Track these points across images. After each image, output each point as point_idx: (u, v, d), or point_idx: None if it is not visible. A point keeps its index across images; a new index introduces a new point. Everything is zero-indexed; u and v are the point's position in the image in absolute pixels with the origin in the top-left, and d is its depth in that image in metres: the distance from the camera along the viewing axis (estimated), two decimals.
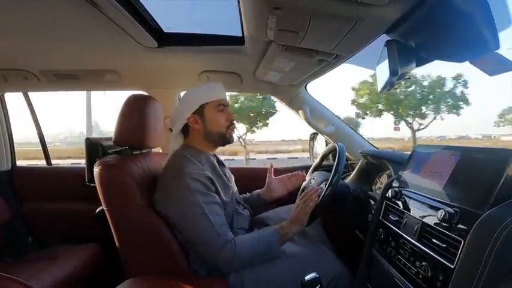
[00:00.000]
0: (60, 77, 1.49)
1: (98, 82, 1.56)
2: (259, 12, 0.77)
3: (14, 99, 1.83)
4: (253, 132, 11.30)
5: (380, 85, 0.88)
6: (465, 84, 10.43)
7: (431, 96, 10.84)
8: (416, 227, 0.70)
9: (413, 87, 10.88)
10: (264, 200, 1.20)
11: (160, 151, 1.56)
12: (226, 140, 1.04)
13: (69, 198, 1.65)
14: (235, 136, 1.09)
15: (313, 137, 1.73)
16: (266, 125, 11.04)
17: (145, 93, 1.55)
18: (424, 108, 11.10)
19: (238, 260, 0.87)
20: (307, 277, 0.76)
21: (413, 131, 11.50)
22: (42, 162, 1.91)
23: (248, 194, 1.26)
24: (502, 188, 0.55)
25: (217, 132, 1.01)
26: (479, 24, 0.57)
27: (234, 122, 1.05)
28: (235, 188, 1.15)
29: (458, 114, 10.74)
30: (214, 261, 0.87)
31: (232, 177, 1.17)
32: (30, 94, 1.78)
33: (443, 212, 0.61)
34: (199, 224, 0.86)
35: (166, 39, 1.19)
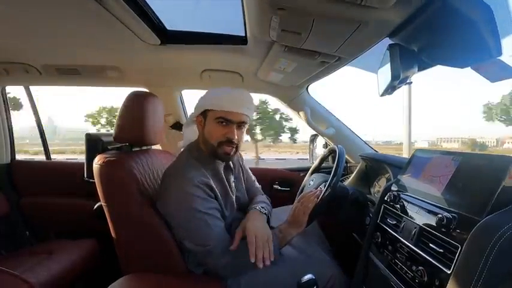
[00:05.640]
0: (62, 71, 1.49)
1: (99, 78, 1.56)
2: (262, 12, 0.77)
3: None
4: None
5: (381, 89, 0.88)
6: None
7: None
8: (413, 231, 0.70)
9: None
10: None
11: (160, 149, 1.56)
12: (216, 156, 0.93)
13: (68, 193, 1.65)
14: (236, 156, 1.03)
15: (313, 139, 1.73)
16: None
17: (146, 90, 1.55)
18: None
19: (237, 266, 0.87)
20: (304, 278, 0.76)
21: None
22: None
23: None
24: (500, 195, 0.55)
25: (209, 143, 0.92)
26: (481, 30, 0.57)
27: (235, 142, 0.92)
28: (243, 191, 1.10)
29: None
30: (213, 266, 0.87)
31: (249, 177, 1.16)
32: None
33: (441, 217, 0.61)
34: (199, 230, 0.85)
35: (169, 37, 1.19)
